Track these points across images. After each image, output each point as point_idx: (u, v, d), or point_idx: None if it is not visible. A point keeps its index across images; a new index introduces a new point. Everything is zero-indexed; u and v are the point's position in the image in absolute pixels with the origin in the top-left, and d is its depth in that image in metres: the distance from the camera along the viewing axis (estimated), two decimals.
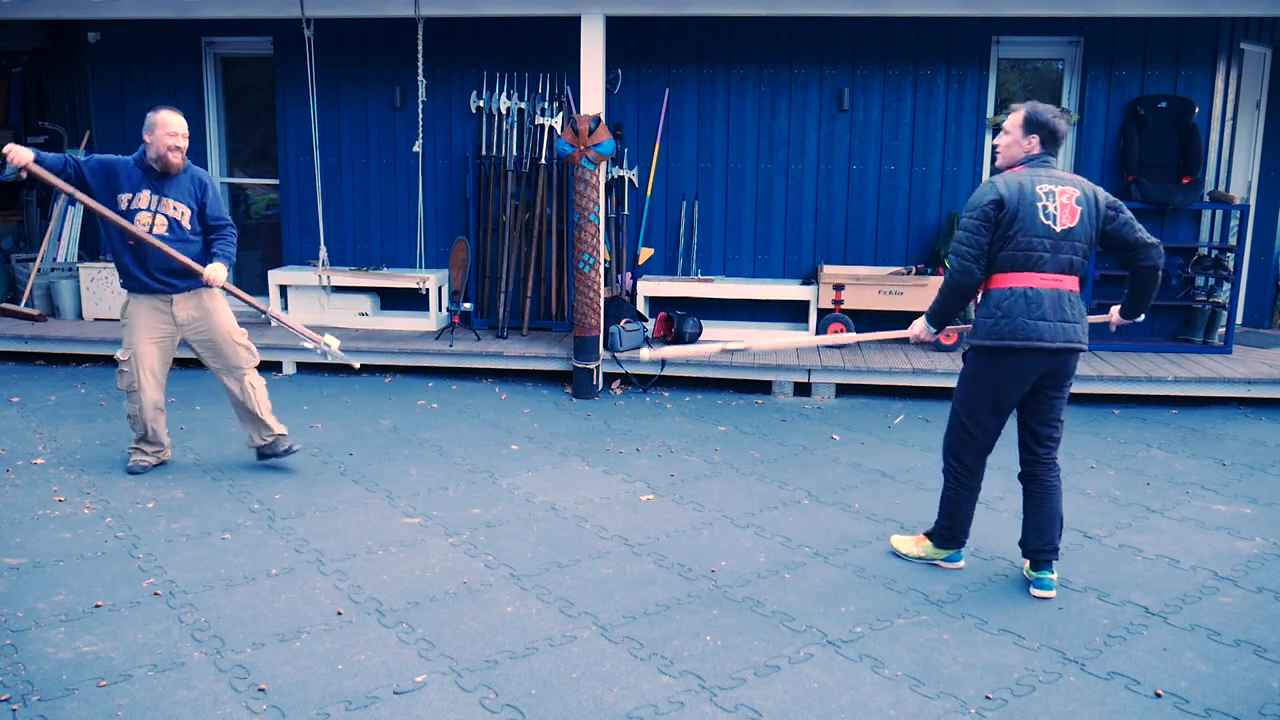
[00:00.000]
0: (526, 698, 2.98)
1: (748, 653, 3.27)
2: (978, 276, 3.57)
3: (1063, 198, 3.52)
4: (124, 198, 4.68)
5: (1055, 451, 3.75)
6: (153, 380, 4.86)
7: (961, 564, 3.98)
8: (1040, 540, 3.72)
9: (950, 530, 3.91)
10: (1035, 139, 3.60)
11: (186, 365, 7.42)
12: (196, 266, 4.69)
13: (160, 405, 4.95)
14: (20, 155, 4.33)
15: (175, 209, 4.75)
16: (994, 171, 3.90)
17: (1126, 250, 3.61)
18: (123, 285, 4.84)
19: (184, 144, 4.70)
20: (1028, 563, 3.80)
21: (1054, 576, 3.74)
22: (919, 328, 3.83)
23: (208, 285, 4.75)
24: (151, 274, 4.73)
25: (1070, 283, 3.56)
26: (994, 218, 3.51)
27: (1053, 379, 3.61)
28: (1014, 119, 3.63)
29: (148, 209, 4.70)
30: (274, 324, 5.20)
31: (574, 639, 3.35)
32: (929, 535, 4.01)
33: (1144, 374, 6.49)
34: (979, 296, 3.68)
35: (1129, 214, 3.60)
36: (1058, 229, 3.50)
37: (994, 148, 3.78)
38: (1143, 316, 3.87)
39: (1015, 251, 3.50)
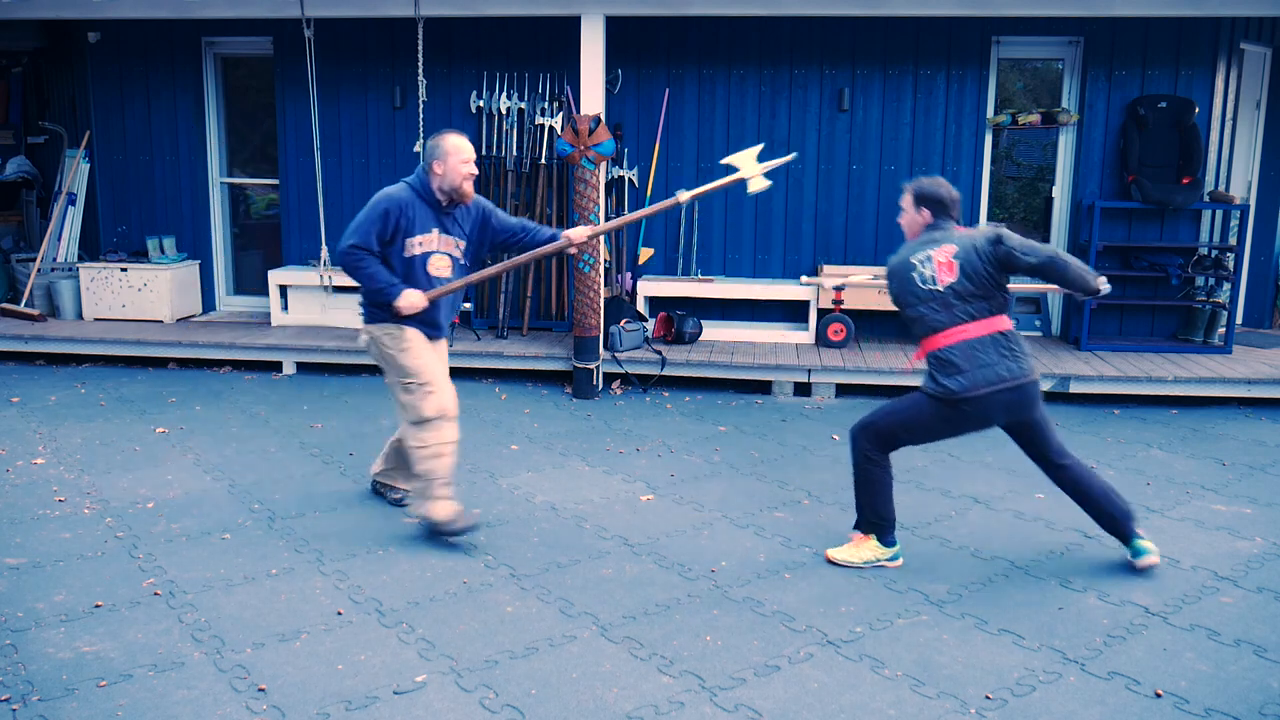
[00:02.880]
0: (526, 698, 2.98)
1: (748, 653, 3.27)
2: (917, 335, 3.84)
3: (939, 257, 3.73)
4: (414, 242, 4.01)
5: (1070, 457, 3.91)
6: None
7: (900, 562, 3.96)
8: (1112, 510, 3.87)
9: (880, 517, 3.93)
10: (926, 211, 3.84)
11: (186, 365, 7.43)
12: (471, 278, 4.22)
13: None
14: (412, 302, 3.95)
15: (457, 246, 4.14)
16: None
17: (1029, 273, 3.73)
18: (391, 319, 4.06)
19: (476, 170, 4.09)
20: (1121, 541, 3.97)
21: (1147, 543, 3.90)
22: None
23: (570, 245, 4.24)
24: (440, 322, 4.18)
25: (977, 328, 3.69)
26: (892, 290, 3.87)
27: (1015, 412, 3.75)
28: (905, 198, 3.89)
29: (439, 250, 4.08)
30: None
31: (574, 639, 3.35)
32: (860, 530, 3.98)
33: (1144, 374, 6.49)
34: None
35: (1014, 241, 3.66)
36: (940, 287, 3.71)
37: (899, 224, 4.00)
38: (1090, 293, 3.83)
39: (914, 316, 3.79)
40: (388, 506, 4.58)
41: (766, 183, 4.33)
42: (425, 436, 4.00)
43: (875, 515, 3.93)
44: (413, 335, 4.07)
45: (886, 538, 3.94)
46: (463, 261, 4.20)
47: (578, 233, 4.28)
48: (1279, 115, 7.92)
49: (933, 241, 3.78)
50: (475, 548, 4.11)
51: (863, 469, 3.92)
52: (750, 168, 4.21)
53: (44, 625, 3.38)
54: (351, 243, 3.96)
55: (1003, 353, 3.68)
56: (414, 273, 4.04)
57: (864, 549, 3.96)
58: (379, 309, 4.06)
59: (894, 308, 3.95)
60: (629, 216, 4.56)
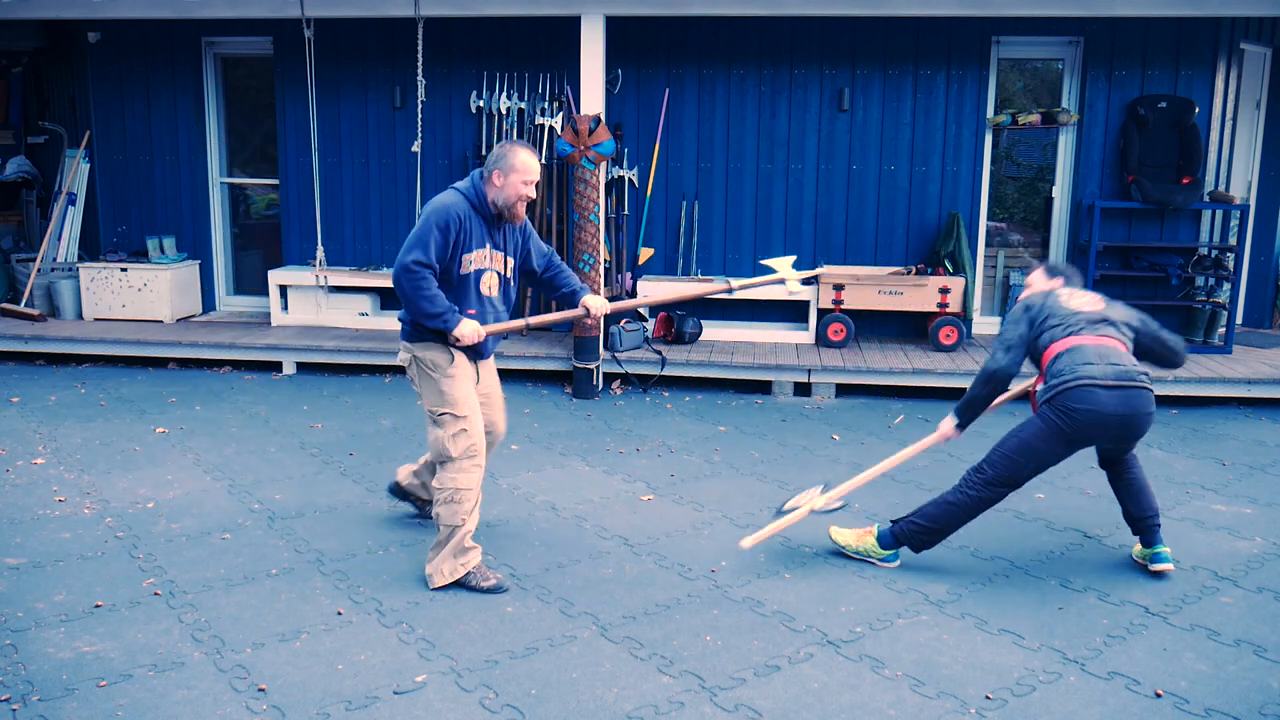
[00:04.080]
0: (526, 698, 2.98)
1: (748, 653, 3.27)
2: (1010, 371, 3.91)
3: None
4: (469, 258, 3.69)
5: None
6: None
7: (897, 563, 3.97)
8: (1143, 508, 3.90)
9: (932, 538, 3.88)
10: (1059, 279, 4.13)
11: (186, 365, 7.43)
12: (515, 324, 3.91)
13: None
14: (470, 333, 3.65)
15: (506, 264, 3.84)
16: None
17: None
18: (437, 341, 3.73)
19: (534, 195, 3.79)
20: (1138, 545, 3.99)
21: (1169, 550, 3.92)
22: (948, 426, 4.11)
23: (587, 315, 3.97)
24: (489, 349, 3.94)
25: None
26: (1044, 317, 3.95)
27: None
28: (1036, 275, 4.19)
29: (490, 267, 3.78)
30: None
31: (574, 639, 3.35)
32: (898, 534, 3.92)
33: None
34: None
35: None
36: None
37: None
38: None
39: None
40: (387, 506, 4.57)
41: (802, 287, 4.53)
42: (445, 478, 3.70)
43: (932, 526, 3.86)
44: (461, 362, 3.74)
45: (898, 545, 3.93)
46: (511, 281, 3.88)
47: (597, 304, 3.95)
48: (1279, 115, 7.92)
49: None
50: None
51: (965, 499, 3.83)
52: (788, 273, 4.32)
53: (44, 625, 3.38)
54: (415, 258, 3.53)
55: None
56: (467, 291, 3.72)
57: (866, 540, 3.99)
58: (427, 330, 3.71)
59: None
60: (643, 301, 4.48)
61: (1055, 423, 3.64)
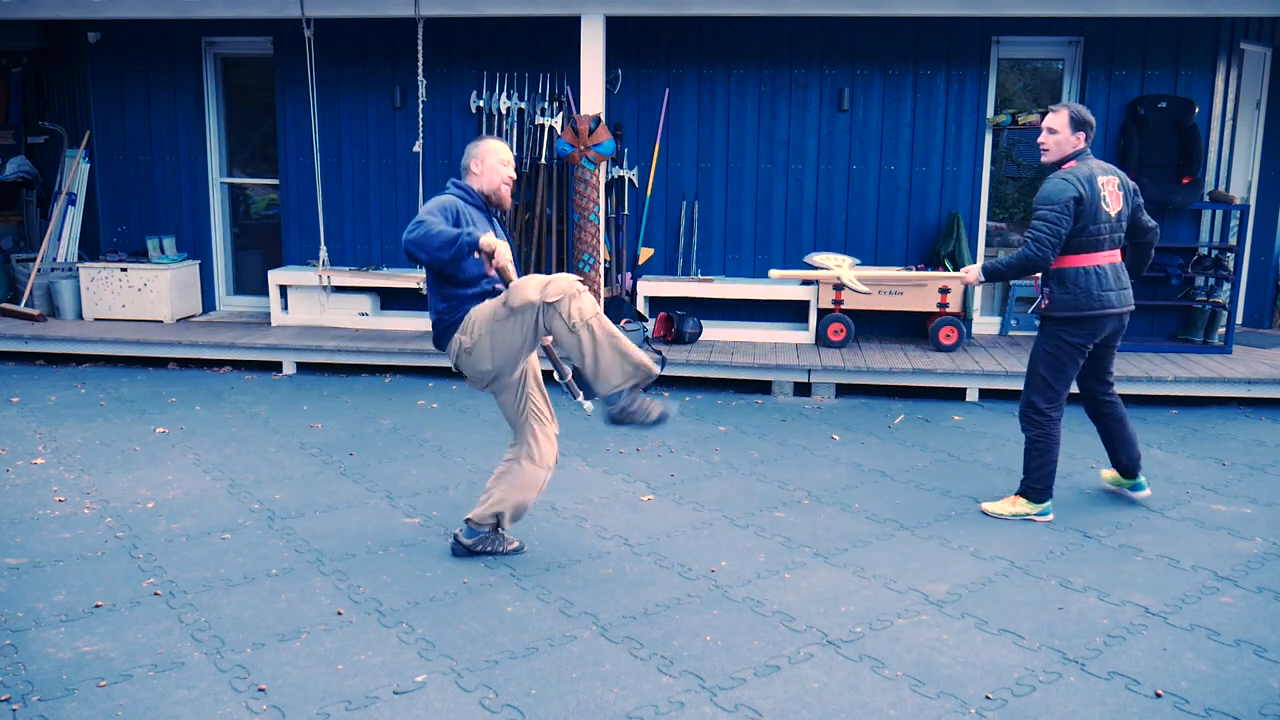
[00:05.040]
0: (526, 698, 2.98)
1: (748, 653, 3.27)
2: (1051, 260, 4.17)
3: (1110, 186, 4.20)
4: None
5: (1116, 395, 4.63)
6: None
7: (1051, 516, 4.47)
8: (1131, 455, 4.60)
9: (1046, 483, 4.42)
10: (1081, 135, 4.20)
11: (186, 365, 7.43)
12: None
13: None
14: (492, 239, 3.53)
15: (508, 250, 3.80)
16: (1037, 168, 4.27)
17: (1136, 231, 4.43)
18: (478, 302, 3.72)
19: (514, 176, 3.91)
20: (1114, 474, 4.74)
21: (1144, 479, 4.70)
22: (973, 273, 4.41)
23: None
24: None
25: (1119, 256, 4.31)
26: (1074, 211, 4.12)
27: (1114, 336, 4.39)
28: (1060, 119, 4.20)
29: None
30: None
31: (574, 639, 3.35)
32: (1022, 495, 4.49)
33: (1144, 374, 6.49)
34: (1045, 275, 4.33)
35: (1142, 200, 4.40)
36: (1113, 215, 4.21)
37: (1040, 145, 4.31)
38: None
39: (1086, 237, 4.17)
40: (387, 506, 4.58)
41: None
42: (573, 309, 3.50)
43: (1038, 475, 4.42)
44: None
45: (1042, 497, 4.46)
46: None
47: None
48: (1279, 115, 7.92)
49: (1100, 170, 4.19)
50: None
51: (1034, 443, 4.38)
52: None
53: (44, 625, 3.38)
54: (421, 219, 3.49)
55: (1128, 282, 4.33)
56: (482, 267, 3.71)
57: (1018, 505, 4.50)
58: (462, 296, 3.67)
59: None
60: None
61: (1078, 343, 4.25)
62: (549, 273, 7.65)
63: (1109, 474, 4.83)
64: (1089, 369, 4.49)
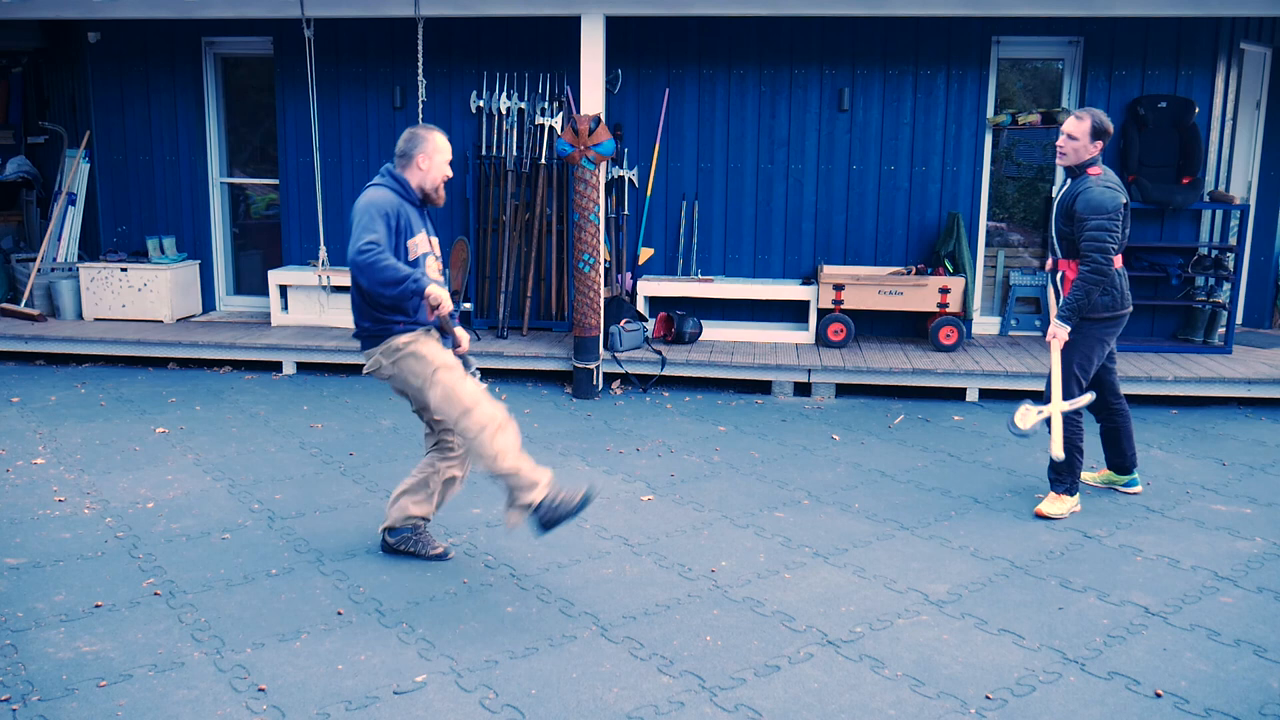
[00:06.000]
0: (526, 698, 2.98)
1: (748, 653, 3.27)
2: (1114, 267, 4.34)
3: (1123, 196, 4.35)
4: (414, 243, 3.70)
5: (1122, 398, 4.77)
6: None
7: (1139, 488, 4.81)
8: (1129, 454, 4.73)
9: (1077, 471, 4.54)
10: (1099, 144, 4.35)
11: (186, 365, 7.43)
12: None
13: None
14: (439, 291, 3.54)
15: (435, 246, 3.85)
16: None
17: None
18: (405, 330, 3.72)
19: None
20: (1106, 473, 4.86)
21: (1138, 475, 4.86)
22: (1062, 331, 4.38)
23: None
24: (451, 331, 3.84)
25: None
26: (1125, 215, 4.34)
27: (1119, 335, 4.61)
28: (1083, 127, 4.32)
29: (430, 252, 3.77)
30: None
31: (574, 639, 3.35)
32: (1111, 467, 4.82)
33: (1144, 374, 6.49)
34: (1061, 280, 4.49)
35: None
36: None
37: (1059, 148, 4.45)
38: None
39: (1121, 241, 4.34)
40: (387, 506, 4.57)
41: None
42: (467, 425, 3.53)
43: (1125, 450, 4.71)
44: (425, 336, 3.73)
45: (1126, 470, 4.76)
46: (440, 267, 3.88)
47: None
48: (1279, 115, 7.92)
49: (1118, 181, 4.38)
50: (475, 547, 4.12)
51: (1071, 434, 4.45)
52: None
53: (44, 625, 3.38)
54: (368, 239, 3.49)
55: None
56: (418, 305, 3.71)
57: (1106, 475, 4.84)
58: (390, 320, 3.68)
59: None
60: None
61: (1108, 338, 4.46)
62: (549, 275, 7.67)
63: (1097, 475, 4.92)
64: (1104, 385, 4.65)
